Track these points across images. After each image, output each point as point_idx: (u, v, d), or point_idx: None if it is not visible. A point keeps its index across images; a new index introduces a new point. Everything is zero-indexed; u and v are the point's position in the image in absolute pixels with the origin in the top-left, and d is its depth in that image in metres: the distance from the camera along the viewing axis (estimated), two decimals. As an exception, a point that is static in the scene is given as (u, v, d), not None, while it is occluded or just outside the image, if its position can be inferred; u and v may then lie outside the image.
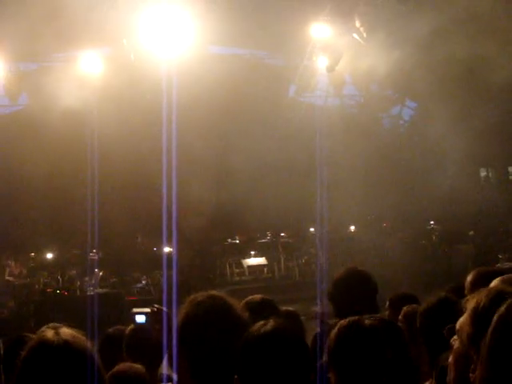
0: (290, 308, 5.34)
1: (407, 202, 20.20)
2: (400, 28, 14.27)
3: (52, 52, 17.77)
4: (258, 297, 4.03)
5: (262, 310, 3.74)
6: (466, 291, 3.81)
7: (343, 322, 2.50)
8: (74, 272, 17.46)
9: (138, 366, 4.20)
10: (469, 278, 3.82)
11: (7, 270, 17.16)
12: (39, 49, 16.45)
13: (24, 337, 4.12)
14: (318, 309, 6.00)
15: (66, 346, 2.20)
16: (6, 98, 17.33)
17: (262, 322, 2.37)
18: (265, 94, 20.17)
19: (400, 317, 4.31)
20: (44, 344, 2.20)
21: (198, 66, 16.05)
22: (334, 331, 2.49)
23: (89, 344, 2.29)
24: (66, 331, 2.25)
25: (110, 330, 4.73)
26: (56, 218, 19.41)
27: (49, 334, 2.22)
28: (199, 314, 2.70)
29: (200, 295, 2.79)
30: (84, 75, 16.10)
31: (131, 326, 4.32)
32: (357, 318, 2.47)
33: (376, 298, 4.17)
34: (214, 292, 2.86)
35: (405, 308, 4.39)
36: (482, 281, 3.87)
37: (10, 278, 16.83)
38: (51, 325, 4.34)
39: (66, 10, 12.55)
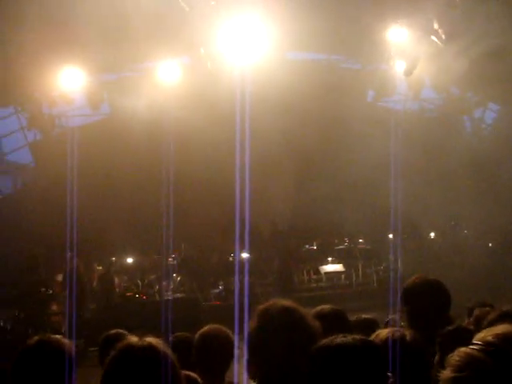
0: (369, 315, 5.24)
1: (491, 207, 19.57)
2: (479, 29, 13.85)
3: (131, 62, 18.23)
4: (327, 307, 3.97)
5: (331, 320, 3.69)
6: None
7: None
8: (154, 277, 17.79)
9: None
10: None
11: (94, 273, 17.64)
12: (119, 59, 16.92)
13: (121, 334, 4.38)
14: (392, 317, 5.89)
15: (150, 348, 2.42)
16: (89, 107, 17.90)
17: (334, 336, 2.32)
18: (343, 100, 20.03)
19: (471, 319, 4.20)
20: (129, 346, 2.44)
21: (274, 72, 16.10)
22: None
23: (168, 349, 2.50)
24: (149, 338, 2.49)
25: (177, 335, 4.79)
26: (137, 224, 19.84)
27: (134, 338, 2.49)
28: (271, 324, 2.70)
29: (270, 306, 2.78)
30: (162, 84, 16.44)
31: (201, 331, 4.37)
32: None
33: (449, 307, 4.04)
34: (284, 302, 2.84)
35: (476, 312, 4.28)
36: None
37: (94, 282, 17.31)
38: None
39: (145, 20, 12.83)
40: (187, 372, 3.94)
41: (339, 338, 2.28)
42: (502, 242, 20.45)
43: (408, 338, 3.06)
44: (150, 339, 2.48)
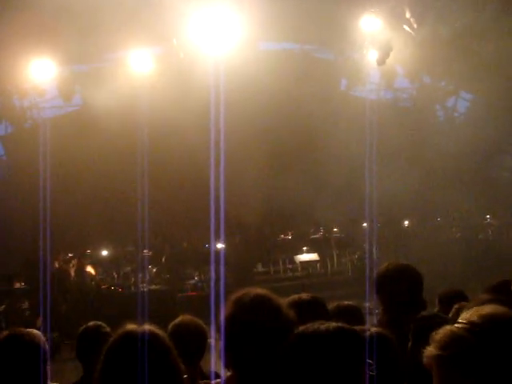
0: (350, 302, 5.24)
1: (463, 195, 19.78)
2: (451, 17, 13.95)
3: (103, 52, 18.06)
4: (305, 295, 3.95)
5: (311, 309, 3.70)
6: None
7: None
8: (129, 269, 17.73)
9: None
10: None
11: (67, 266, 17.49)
12: (90, 50, 16.75)
13: (100, 326, 4.41)
14: (369, 304, 5.94)
15: (150, 334, 2.53)
16: (60, 99, 17.71)
17: (312, 323, 2.32)
18: (316, 89, 20.05)
19: (451, 314, 4.22)
20: (130, 331, 2.54)
21: (247, 62, 16.07)
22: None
23: (166, 336, 2.64)
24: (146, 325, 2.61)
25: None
26: (111, 216, 19.73)
27: (131, 326, 2.59)
28: (244, 315, 2.70)
29: (245, 294, 2.78)
30: (135, 74, 16.33)
31: (174, 322, 4.39)
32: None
33: (421, 291, 4.07)
34: (259, 290, 2.84)
35: (456, 306, 4.30)
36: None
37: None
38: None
39: (116, 10, 12.72)
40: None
41: (317, 325, 2.28)
42: (472, 230, 20.72)
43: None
44: (148, 326, 2.58)
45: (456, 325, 1.87)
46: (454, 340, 1.83)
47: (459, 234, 20.56)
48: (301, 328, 2.33)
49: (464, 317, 1.90)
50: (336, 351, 2.19)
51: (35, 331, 3.21)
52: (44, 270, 13.20)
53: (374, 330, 3.13)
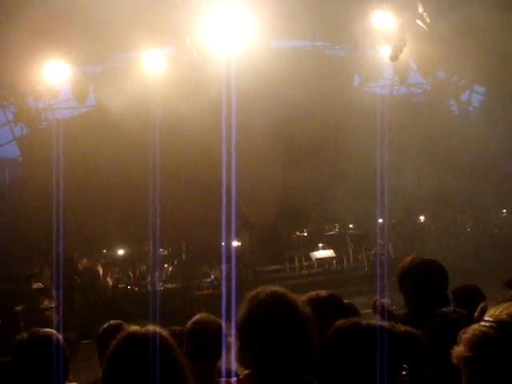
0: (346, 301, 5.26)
1: (480, 190, 19.66)
2: (464, 12, 13.85)
3: (116, 53, 18.14)
4: (323, 292, 3.97)
5: (329, 305, 3.71)
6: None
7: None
8: (145, 268, 17.80)
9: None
10: None
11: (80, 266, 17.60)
12: (103, 50, 16.83)
13: (122, 325, 4.41)
14: (384, 301, 5.92)
15: (154, 336, 2.49)
16: (74, 100, 17.81)
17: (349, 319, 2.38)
18: (329, 85, 20.01)
19: (476, 313, 4.21)
20: (133, 333, 2.52)
21: (260, 60, 16.05)
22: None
23: (170, 337, 2.59)
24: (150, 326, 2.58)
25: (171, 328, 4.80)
26: (126, 215, 19.81)
27: (135, 327, 2.57)
28: (260, 310, 2.70)
29: (260, 292, 2.78)
30: (148, 74, 16.37)
31: (191, 320, 4.40)
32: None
33: (446, 287, 4.05)
34: (274, 288, 2.84)
35: (482, 305, 4.28)
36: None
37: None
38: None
39: (128, 10, 12.76)
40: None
41: (361, 321, 2.33)
42: (487, 224, 20.59)
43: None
44: (152, 327, 2.55)
45: (484, 323, 1.81)
46: (483, 340, 1.78)
47: (474, 229, 20.41)
48: (340, 322, 2.37)
49: (491, 314, 1.84)
50: (379, 348, 2.25)
51: (53, 331, 3.24)
52: (63, 269, 13.30)
53: (403, 328, 3.14)
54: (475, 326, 1.83)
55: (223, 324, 4.37)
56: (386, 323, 2.41)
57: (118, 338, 2.53)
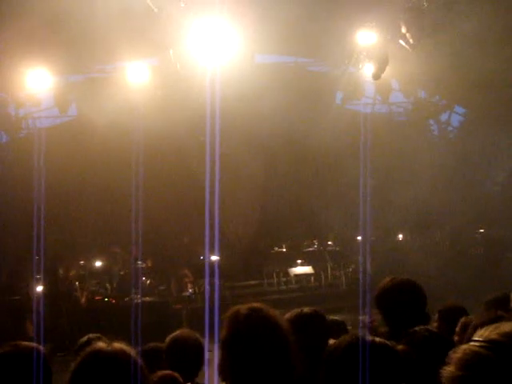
0: (337, 317, 5.29)
1: (456, 209, 19.85)
2: (447, 33, 14.03)
3: (99, 63, 18.09)
4: (308, 309, 4.00)
5: (312, 322, 3.74)
6: (511, 304, 3.72)
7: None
8: (122, 280, 17.65)
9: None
10: None
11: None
12: (87, 60, 16.78)
13: (99, 338, 4.31)
14: (365, 318, 5.93)
15: (119, 353, 2.42)
16: (56, 108, 17.71)
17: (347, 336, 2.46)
18: (311, 102, 20.11)
19: (457, 329, 4.23)
20: (98, 351, 2.45)
21: (243, 74, 16.10)
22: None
23: (136, 355, 2.50)
24: (116, 343, 2.50)
25: (146, 346, 4.75)
26: (106, 228, 19.69)
27: (101, 344, 2.49)
28: (241, 327, 2.70)
29: (242, 309, 2.78)
30: (131, 85, 16.34)
31: (171, 336, 4.37)
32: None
33: (425, 306, 4.08)
34: (256, 304, 2.84)
35: (463, 320, 4.31)
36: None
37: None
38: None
39: (113, 21, 12.73)
40: (168, 371, 3.95)
41: (350, 337, 2.37)
42: (468, 243, 20.78)
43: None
44: (119, 344, 2.48)
45: (474, 343, 1.82)
46: (475, 359, 1.78)
47: (452, 248, 20.59)
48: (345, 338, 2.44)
49: (481, 335, 1.85)
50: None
51: (35, 345, 3.17)
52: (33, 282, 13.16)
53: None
54: (465, 346, 1.84)
55: (206, 339, 4.37)
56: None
57: (82, 354, 2.47)
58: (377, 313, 4.27)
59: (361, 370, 2.25)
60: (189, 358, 4.22)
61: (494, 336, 1.82)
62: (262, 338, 2.68)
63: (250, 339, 2.67)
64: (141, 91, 16.32)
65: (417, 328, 3.68)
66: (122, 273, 18.10)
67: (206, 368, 4.18)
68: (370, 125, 17.15)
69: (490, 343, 1.79)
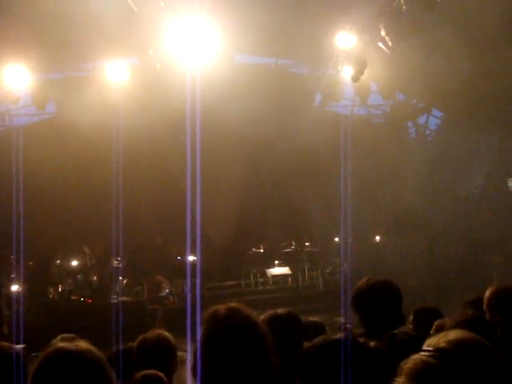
0: (315, 318, 5.30)
1: (434, 211, 19.99)
2: (426, 36, 14.15)
3: (78, 62, 17.96)
4: (283, 310, 4.00)
5: (287, 324, 3.75)
6: (484, 306, 3.76)
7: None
8: (99, 280, 17.56)
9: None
10: (487, 292, 3.78)
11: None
12: (66, 58, 16.66)
13: (73, 338, 4.27)
14: (342, 319, 5.96)
15: (81, 354, 2.33)
16: (34, 106, 17.55)
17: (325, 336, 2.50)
18: (290, 103, 20.16)
19: (432, 331, 4.25)
20: (59, 352, 2.35)
21: (223, 74, 16.10)
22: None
23: (101, 355, 2.43)
24: (81, 342, 2.43)
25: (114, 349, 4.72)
26: (82, 226, 19.56)
27: (63, 343, 2.42)
28: (219, 327, 2.70)
29: (220, 308, 2.78)
30: (110, 84, 16.26)
31: (143, 336, 4.35)
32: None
33: (401, 307, 4.10)
34: (233, 304, 2.85)
35: (437, 322, 4.33)
36: (500, 297, 3.83)
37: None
38: (64, 335, 4.40)
39: (93, 20, 12.68)
40: (152, 370, 3.92)
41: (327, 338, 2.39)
42: (446, 245, 20.92)
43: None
44: (82, 343, 2.43)
45: (424, 353, 1.85)
46: (424, 369, 1.80)
47: (431, 249, 20.72)
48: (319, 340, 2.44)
49: (431, 343, 1.88)
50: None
51: (10, 345, 3.14)
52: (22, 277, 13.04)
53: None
54: (416, 356, 1.85)
55: (182, 339, 4.34)
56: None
57: (43, 353, 2.40)
58: (353, 314, 4.29)
59: (342, 370, 2.26)
60: (159, 358, 4.19)
61: (441, 344, 1.84)
62: (240, 338, 2.68)
63: (228, 339, 2.68)
64: (120, 90, 16.25)
65: (396, 331, 3.70)
66: (95, 275, 17.94)
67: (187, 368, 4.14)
68: (349, 126, 17.26)
69: (437, 352, 1.82)
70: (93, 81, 16.62)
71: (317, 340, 2.45)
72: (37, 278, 16.99)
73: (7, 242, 10.97)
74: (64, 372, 2.29)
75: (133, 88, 16.41)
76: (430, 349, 1.85)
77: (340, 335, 2.44)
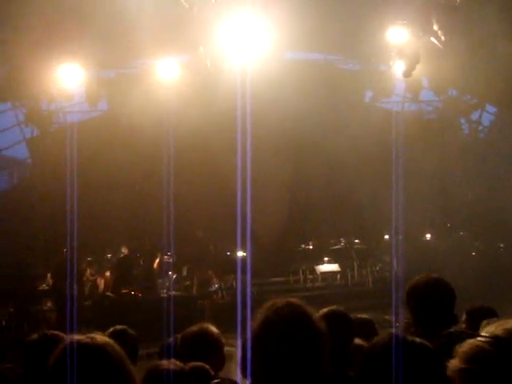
0: (365, 315, 5.25)
1: (488, 209, 19.61)
2: (478, 31, 13.86)
3: (130, 59, 18.21)
4: (333, 307, 4.00)
5: (337, 321, 3.73)
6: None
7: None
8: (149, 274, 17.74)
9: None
10: None
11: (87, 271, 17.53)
12: (118, 56, 16.90)
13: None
14: (389, 317, 5.91)
15: (100, 345, 2.36)
16: (86, 103, 17.88)
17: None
18: (340, 100, 20.04)
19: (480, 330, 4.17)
20: (76, 342, 2.36)
21: (273, 71, 16.09)
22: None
23: (118, 348, 2.42)
24: (97, 335, 2.43)
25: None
26: (135, 221, 19.83)
27: (79, 336, 2.40)
28: (278, 320, 2.67)
29: (279, 301, 2.77)
30: (161, 82, 16.44)
31: (183, 332, 4.36)
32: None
33: (453, 306, 4.04)
34: (292, 299, 2.83)
35: (485, 321, 4.25)
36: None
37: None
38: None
39: (145, 18, 12.82)
40: (199, 363, 3.92)
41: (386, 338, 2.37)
42: (492, 243, 20.52)
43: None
44: (98, 335, 2.44)
45: (480, 338, 1.90)
46: (478, 354, 1.85)
47: (481, 248, 20.35)
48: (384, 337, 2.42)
49: (488, 330, 1.92)
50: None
51: (62, 334, 3.21)
52: (63, 272, 13.28)
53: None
54: (471, 341, 1.92)
55: (231, 334, 4.34)
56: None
57: (61, 346, 2.41)
58: (403, 312, 4.24)
59: (401, 369, 2.24)
60: (201, 351, 4.18)
61: (498, 332, 1.89)
62: (297, 331, 2.65)
63: (284, 330, 2.65)
64: (171, 88, 16.41)
65: (452, 329, 3.65)
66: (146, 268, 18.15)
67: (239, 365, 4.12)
68: (400, 123, 17.05)
69: (494, 339, 1.87)
70: (144, 78, 16.82)
71: (378, 338, 2.43)
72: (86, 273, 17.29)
73: (59, 236, 11.18)
74: (79, 365, 2.31)
75: (183, 85, 16.55)
76: (486, 335, 1.90)
77: (403, 334, 2.41)
